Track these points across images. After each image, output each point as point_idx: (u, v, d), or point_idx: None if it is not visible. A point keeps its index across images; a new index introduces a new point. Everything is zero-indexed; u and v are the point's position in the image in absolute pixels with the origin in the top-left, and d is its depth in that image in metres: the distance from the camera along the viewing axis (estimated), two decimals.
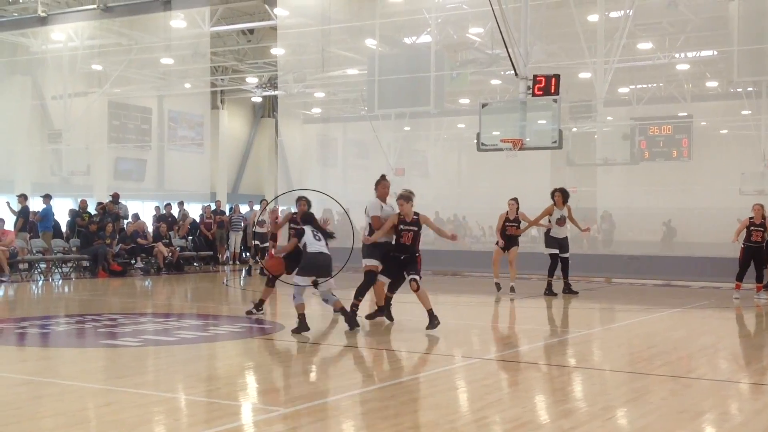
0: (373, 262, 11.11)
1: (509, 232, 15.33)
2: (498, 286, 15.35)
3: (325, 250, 10.26)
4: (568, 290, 15.40)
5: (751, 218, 14.61)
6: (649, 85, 26.21)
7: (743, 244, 14.63)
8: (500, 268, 15.53)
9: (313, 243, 10.14)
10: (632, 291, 17.29)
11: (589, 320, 13.25)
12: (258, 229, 19.31)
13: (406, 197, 10.91)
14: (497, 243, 15.53)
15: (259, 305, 11.80)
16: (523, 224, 15.47)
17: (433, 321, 10.58)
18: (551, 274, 15.41)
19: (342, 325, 10.83)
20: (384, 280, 11.10)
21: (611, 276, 18.82)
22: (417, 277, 10.75)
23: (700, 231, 18.89)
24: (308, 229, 10.30)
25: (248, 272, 19.59)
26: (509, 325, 12.62)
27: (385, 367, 8.63)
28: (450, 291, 16.78)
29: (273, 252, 11.62)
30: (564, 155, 22.49)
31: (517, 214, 15.37)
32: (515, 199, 15.43)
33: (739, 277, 14.72)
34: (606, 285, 18.13)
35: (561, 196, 15.22)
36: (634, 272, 18.68)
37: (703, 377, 8.05)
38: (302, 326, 10.16)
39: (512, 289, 15.14)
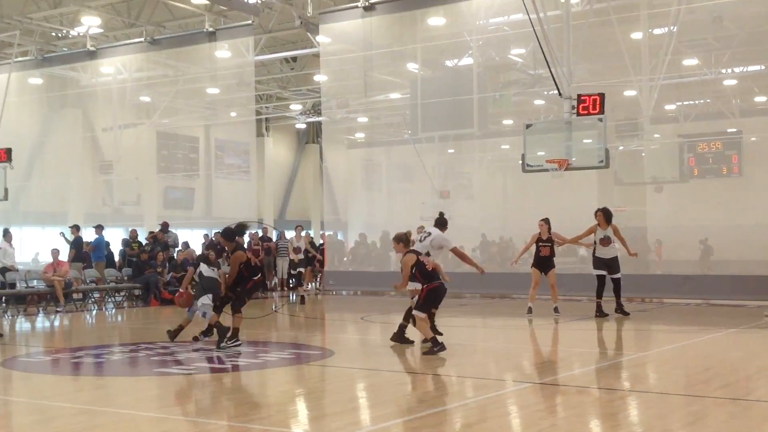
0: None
1: (542, 254, 15.33)
2: (530, 310, 15.12)
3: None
4: (620, 311, 15.16)
5: None
6: (697, 102, 25.86)
7: None
8: (538, 292, 15.39)
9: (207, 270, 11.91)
10: (686, 311, 16.97)
11: (642, 342, 13.04)
12: (293, 256, 19.78)
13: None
14: (514, 262, 15.87)
15: (233, 335, 11.50)
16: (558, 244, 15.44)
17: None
18: (599, 295, 15.18)
19: (392, 352, 10.78)
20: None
21: (664, 296, 18.49)
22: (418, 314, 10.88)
23: (753, 249, 18.49)
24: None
25: (302, 301, 19.59)
26: (561, 348, 12.46)
27: (436, 392, 8.58)
28: (499, 314, 16.65)
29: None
30: (611, 174, 22.24)
31: (549, 234, 15.36)
32: (546, 220, 15.40)
33: None
34: (659, 306, 17.83)
35: (603, 215, 15.06)
36: (687, 293, 18.32)
37: (763, 399, 7.86)
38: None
39: (556, 310, 15.11)
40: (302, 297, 19.74)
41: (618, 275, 15.10)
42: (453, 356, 11.01)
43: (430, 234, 12.00)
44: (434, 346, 10.59)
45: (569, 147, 15.61)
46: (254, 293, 12.52)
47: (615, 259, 15.11)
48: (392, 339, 11.53)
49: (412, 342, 11.43)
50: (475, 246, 24.29)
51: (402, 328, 11.56)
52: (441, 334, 11.15)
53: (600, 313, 14.99)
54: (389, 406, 7.79)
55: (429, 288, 10.82)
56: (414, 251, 11.15)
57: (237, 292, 11.73)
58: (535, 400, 7.94)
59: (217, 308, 11.64)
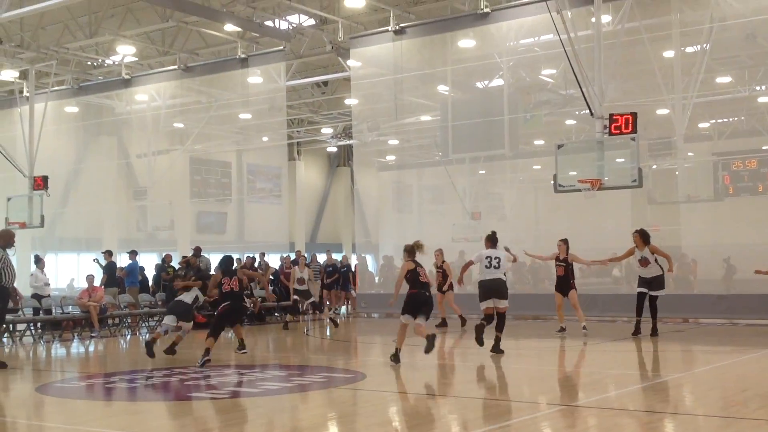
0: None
1: (557, 273, 15.91)
2: (562, 329, 15.63)
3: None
4: (653, 332, 15.05)
5: None
6: (730, 119, 25.56)
7: None
8: (564, 312, 15.79)
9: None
10: (721, 332, 16.70)
11: (678, 363, 12.85)
12: (297, 287, 19.27)
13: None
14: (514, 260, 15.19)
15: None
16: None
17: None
18: (638, 313, 15.16)
19: (424, 374, 10.72)
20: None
21: (700, 316, 18.23)
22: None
23: None
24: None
25: (335, 323, 19.52)
26: (595, 369, 12.30)
27: (470, 415, 8.50)
28: (532, 335, 16.50)
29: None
30: (645, 193, 22.02)
31: (566, 254, 15.74)
32: (564, 240, 15.81)
33: None
34: (695, 326, 17.56)
35: (639, 237, 15.14)
36: (724, 312, 18.04)
37: None
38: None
39: (584, 329, 15.37)
40: (333, 321, 19.59)
41: (657, 293, 15.10)
42: (486, 378, 10.93)
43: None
44: (392, 357, 11.73)
45: (601, 167, 15.55)
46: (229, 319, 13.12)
47: (656, 278, 15.11)
48: (492, 351, 12.71)
49: (503, 352, 12.66)
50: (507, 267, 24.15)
51: (497, 339, 12.81)
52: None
53: (637, 332, 14.98)
54: (422, 429, 7.74)
55: (408, 293, 11.66)
56: (415, 261, 11.79)
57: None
58: (569, 423, 7.84)
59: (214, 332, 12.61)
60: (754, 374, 11.05)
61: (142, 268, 21.34)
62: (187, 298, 13.83)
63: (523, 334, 16.41)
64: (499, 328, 12.84)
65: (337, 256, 27.97)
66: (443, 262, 18.10)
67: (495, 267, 12.81)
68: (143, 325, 19.74)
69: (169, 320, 13.68)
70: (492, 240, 13.12)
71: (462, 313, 17.84)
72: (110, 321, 18.91)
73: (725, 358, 12.71)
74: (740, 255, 20.00)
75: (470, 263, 13.45)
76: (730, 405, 8.61)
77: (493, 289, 12.78)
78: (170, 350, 13.31)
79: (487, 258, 12.85)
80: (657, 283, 15.12)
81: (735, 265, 20.04)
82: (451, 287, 17.87)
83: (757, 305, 17.67)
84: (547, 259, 16.99)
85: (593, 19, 16.80)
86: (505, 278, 13.23)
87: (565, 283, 15.75)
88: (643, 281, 15.18)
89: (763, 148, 22.95)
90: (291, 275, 19.90)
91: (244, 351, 13.20)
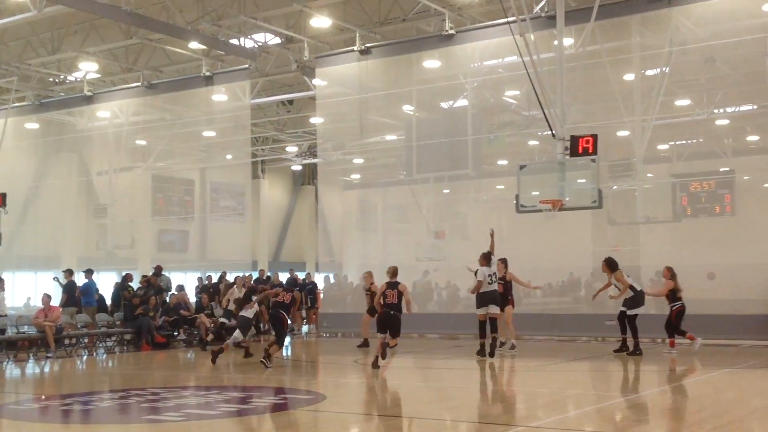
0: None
1: (498, 291, 16.19)
2: (513, 346, 16.22)
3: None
4: (625, 350, 15.78)
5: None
6: (689, 141, 25.93)
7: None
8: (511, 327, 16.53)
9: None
10: (680, 351, 16.86)
11: (636, 383, 12.94)
12: (231, 306, 18.69)
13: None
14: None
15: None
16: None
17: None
18: (622, 331, 15.89)
19: (385, 395, 10.68)
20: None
21: (660, 336, 18.41)
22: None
23: (745, 288, 18.44)
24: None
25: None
26: (555, 389, 12.35)
27: None
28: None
29: None
30: (605, 214, 22.22)
31: (505, 273, 16.34)
32: (503, 260, 16.45)
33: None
34: (652, 345, 17.70)
35: (604, 265, 16.10)
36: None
37: None
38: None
39: (512, 347, 16.08)
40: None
41: (628, 311, 15.75)
42: (446, 399, 10.92)
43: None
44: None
45: (563, 187, 15.70)
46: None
47: (629, 299, 15.79)
48: (490, 352, 15.03)
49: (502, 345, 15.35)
50: (471, 286, 24.22)
51: (494, 340, 15.10)
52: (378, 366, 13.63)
53: (620, 349, 15.79)
54: None
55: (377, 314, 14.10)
56: (389, 283, 13.90)
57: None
58: None
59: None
60: (711, 394, 11.17)
61: (97, 288, 21.00)
62: (249, 313, 15.61)
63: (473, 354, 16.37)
64: (493, 330, 15.20)
65: (300, 275, 27.86)
66: (371, 284, 17.96)
67: (489, 282, 15.33)
68: (100, 345, 19.44)
69: (237, 334, 15.65)
70: (487, 258, 15.42)
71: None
72: (67, 341, 18.58)
73: (682, 378, 12.84)
74: (698, 275, 20.27)
75: (480, 282, 15.30)
76: (687, 425, 8.68)
77: (489, 299, 15.24)
78: (247, 354, 15.83)
79: (489, 275, 15.37)
80: (627, 302, 15.70)
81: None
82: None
83: (710, 325, 17.90)
84: (478, 287, 16.74)
85: (555, 42, 17.01)
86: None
87: (503, 300, 16.17)
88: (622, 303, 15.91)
89: (721, 170, 23.31)
90: (227, 295, 19.51)
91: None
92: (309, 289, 24.67)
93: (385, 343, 13.81)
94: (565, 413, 9.80)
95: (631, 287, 15.78)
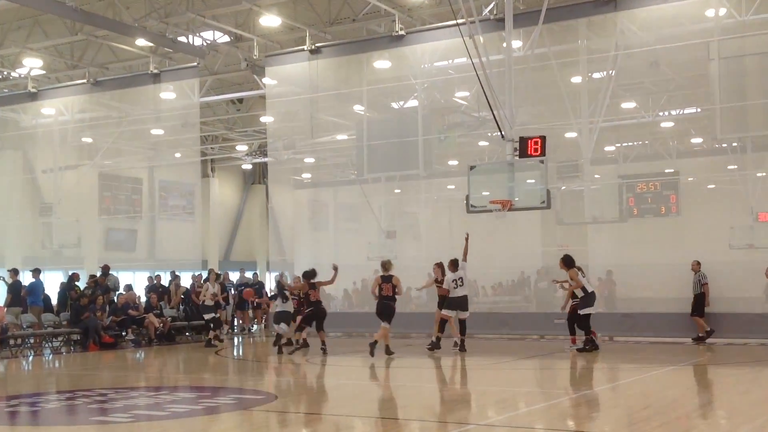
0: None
1: (439, 293, 16.83)
2: (438, 343, 16.59)
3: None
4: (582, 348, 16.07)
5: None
6: (635, 143, 26.45)
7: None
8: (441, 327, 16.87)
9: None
10: (626, 349, 17.22)
11: (585, 381, 13.17)
12: (209, 302, 19.06)
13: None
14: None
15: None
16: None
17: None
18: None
19: (335, 394, 10.69)
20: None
21: (608, 334, 18.78)
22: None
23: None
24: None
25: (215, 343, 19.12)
26: (505, 387, 12.50)
27: None
28: (445, 354, 16.63)
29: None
30: (553, 214, 22.58)
31: (443, 276, 16.71)
32: (439, 264, 16.97)
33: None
34: (600, 343, 18.04)
35: (561, 262, 16.44)
36: (629, 330, 18.65)
37: None
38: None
39: (455, 344, 16.47)
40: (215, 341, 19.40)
41: (579, 311, 16.06)
42: (398, 398, 10.97)
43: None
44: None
45: (512, 188, 15.87)
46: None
47: (580, 299, 16.11)
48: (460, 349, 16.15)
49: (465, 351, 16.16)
50: (421, 285, 24.37)
51: (462, 342, 16.32)
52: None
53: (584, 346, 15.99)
54: None
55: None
56: (384, 276, 15.71)
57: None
58: None
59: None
60: (657, 391, 11.41)
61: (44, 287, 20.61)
62: (289, 307, 17.39)
63: (425, 352, 16.49)
64: (462, 332, 16.46)
65: (249, 274, 27.71)
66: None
67: (460, 285, 16.27)
68: (46, 345, 19.08)
69: (284, 326, 17.11)
70: (455, 264, 16.32)
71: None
72: (12, 341, 18.20)
73: (629, 376, 13.10)
74: (643, 274, 20.69)
75: (447, 291, 16.32)
76: (633, 422, 8.86)
77: (458, 303, 16.32)
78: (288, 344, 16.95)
79: (453, 281, 16.24)
80: (581, 301, 16.03)
81: (615, 280, 21.00)
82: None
83: (659, 323, 18.30)
84: (429, 284, 17.79)
85: (504, 45, 17.19)
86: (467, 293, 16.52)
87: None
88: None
89: (666, 171, 23.81)
90: (202, 292, 19.52)
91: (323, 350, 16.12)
92: (255, 288, 24.52)
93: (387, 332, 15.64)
94: (516, 411, 9.94)
95: (583, 288, 16.04)
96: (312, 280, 16.50)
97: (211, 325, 19.23)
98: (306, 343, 16.97)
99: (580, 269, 16.32)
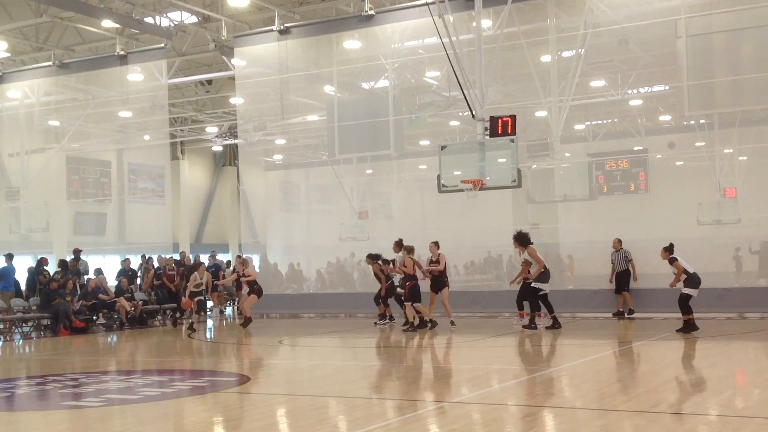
0: None
1: (433, 274, 16.76)
2: (433, 323, 16.66)
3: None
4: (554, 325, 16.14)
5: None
6: (604, 121, 26.68)
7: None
8: (434, 308, 16.97)
9: None
10: (596, 325, 17.41)
11: (555, 357, 13.31)
12: (194, 289, 18.80)
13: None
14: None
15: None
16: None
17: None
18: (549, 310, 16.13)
19: (308, 375, 10.73)
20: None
21: (576, 311, 18.97)
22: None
23: (661, 262, 19.10)
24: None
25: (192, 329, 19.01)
26: (478, 365, 12.60)
27: (356, 414, 8.56)
28: (419, 333, 16.72)
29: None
30: (524, 193, 22.75)
31: (438, 255, 16.72)
32: (435, 242, 16.86)
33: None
34: (570, 320, 18.24)
35: (515, 241, 16.18)
36: (597, 306, 18.84)
37: (668, 411, 8.11)
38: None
39: (452, 323, 16.39)
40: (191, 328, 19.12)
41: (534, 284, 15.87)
42: (370, 377, 11.01)
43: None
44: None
45: (483, 167, 15.95)
46: None
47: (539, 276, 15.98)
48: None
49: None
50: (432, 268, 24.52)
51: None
52: None
53: (552, 325, 15.98)
54: (306, 431, 7.74)
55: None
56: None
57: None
58: (452, 419, 8.01)
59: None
60: (626, 366, 11.57)
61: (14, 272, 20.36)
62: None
63: (398, 331, 16.59)
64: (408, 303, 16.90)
65: (222, 257, 27.58)
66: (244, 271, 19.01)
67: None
68: (16, 330, 18.90)
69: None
70: (400, 245, 16.83)
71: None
72: None
73: (599, 351, 13.26)
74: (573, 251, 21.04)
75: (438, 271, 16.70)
76: (602, 397, 8.99)
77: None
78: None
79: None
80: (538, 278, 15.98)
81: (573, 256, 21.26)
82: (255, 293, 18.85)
83: (636, 299, 18.46)
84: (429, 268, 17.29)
85: (474, 24, 17.19)
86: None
87: (437, 281, 16.66)
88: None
89: (635, 149, 24.06)
90: (191, 280, 19.21)
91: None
92: (212, 271, 24.40)
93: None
94: (489, 388, 10.03)
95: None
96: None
97: (191, 308, 18.77)
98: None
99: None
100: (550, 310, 16.03)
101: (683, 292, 14.79)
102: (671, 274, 14.87)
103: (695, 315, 14.90)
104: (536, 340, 14.71)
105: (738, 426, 7.20)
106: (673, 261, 14.81)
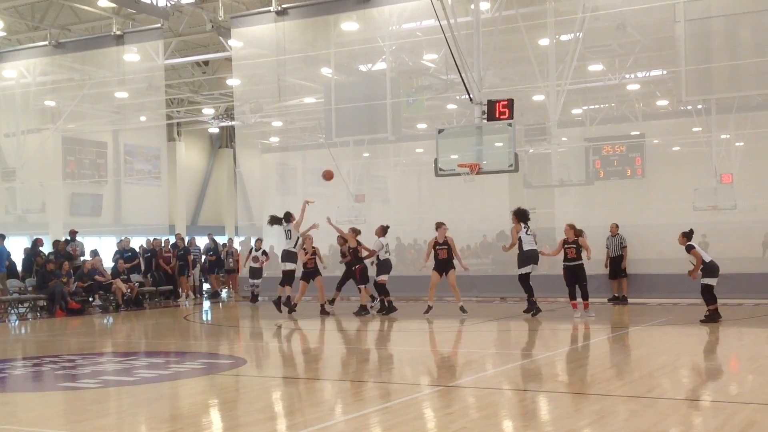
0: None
1: (440, 257, 16.23)
2: (428, 308, 16.34)
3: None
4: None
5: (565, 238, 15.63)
6: (601, 106, 26.64)
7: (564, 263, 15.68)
8: (436, 292, 16.55)
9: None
10: (591, 310, 17.45)
11: (550, 342, 13.36)
12: (253, 264, 21.26)
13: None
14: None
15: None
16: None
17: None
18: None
19: (305, 358, 10.76)
20: None
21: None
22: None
23: (657, 247, 19.17)
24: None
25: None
26: (473, 349, 12.65)
27: (352, 398, 8.60)
28: (414, 316, 16.77)
29: None
30: (521, 177, 22.72)
31: (445, 237, 16.25)
32: (440, 224, 16.37)
33: (572, 296, 15.59)
34: (564, 305, 18.29)
35: (514, 217, 15.92)
36: (593, 291, 18.86)
37: (663, 396, 8.15)
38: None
39: (462, 309, 15.92)
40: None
41: (518, 269, 15.87)
42: (367, 361, 11.05)
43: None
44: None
45: (480, 151, 15.91)
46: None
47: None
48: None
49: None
50: (391, 249, 24.48)
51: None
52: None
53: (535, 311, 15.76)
54: (303, 414, 7.77)
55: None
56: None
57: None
58: (447, 403, 8.04)
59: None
60: (621, 351, 11.62)
61: (9, 253, 20.34)
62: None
63: (405, 315, 16.65)
64: (381, 293, 17.05)
65: (220, 239, 27.57)
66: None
67: (386, 252, 17.12)
68: (12, 312, 18.91)
69: None
70: (384, 230, 17.19)
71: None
72: None
73: (594, 336, 13.31)
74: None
75: (374, 252, 17.02)
76: (597, 382, 9.03)
77: (388, 267, 17.11)
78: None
79: (385, 245, 17.03)
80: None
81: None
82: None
83: (633, 284, 18.48)
84: (428, 251, 16.78)
85: (472, 6, 17.11)
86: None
87: (445, 264, 16.17)
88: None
89: (632, 133, 24.04)
90: (246, 255, 20.40)
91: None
92: (211, 254, 24.43)
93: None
94: (484, 372, 10.07)
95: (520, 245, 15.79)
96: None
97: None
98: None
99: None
100: (531, 294, 15.89)
101: (703, 282, 14.17)
102: (669, 260, 14.79)
103: (691, 300, 14.89)
104: (534, 325, 14.75)
105: (732, 412, 7.25)
106: (690, 249, 14.08)
